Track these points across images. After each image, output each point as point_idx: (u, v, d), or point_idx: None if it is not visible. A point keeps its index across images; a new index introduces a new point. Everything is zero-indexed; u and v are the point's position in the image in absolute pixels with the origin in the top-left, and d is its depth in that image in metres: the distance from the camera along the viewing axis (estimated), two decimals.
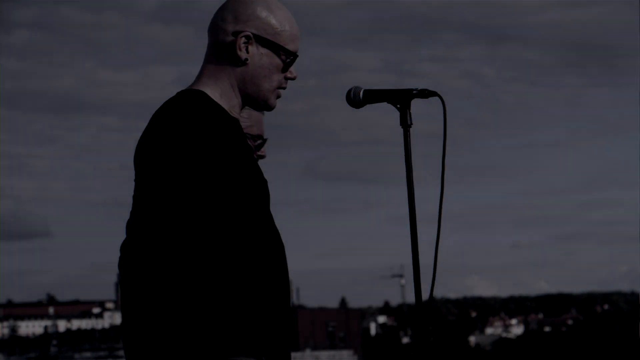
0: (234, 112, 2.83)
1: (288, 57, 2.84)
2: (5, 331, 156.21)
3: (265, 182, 2.83)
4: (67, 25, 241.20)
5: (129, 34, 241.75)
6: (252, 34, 2.80)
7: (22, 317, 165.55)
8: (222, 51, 2.84)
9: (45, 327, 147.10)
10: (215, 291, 2.59)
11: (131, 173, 2.71)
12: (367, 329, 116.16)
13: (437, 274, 3.40)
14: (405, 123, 2.81)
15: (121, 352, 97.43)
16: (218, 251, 2.62)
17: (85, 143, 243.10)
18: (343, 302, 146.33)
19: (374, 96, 2.86)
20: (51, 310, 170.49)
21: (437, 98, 2.92)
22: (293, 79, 2.87)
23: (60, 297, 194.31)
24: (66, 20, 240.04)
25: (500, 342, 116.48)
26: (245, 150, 2.76)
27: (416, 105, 2.99)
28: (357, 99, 2.86)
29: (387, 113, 3.18)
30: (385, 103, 2.93)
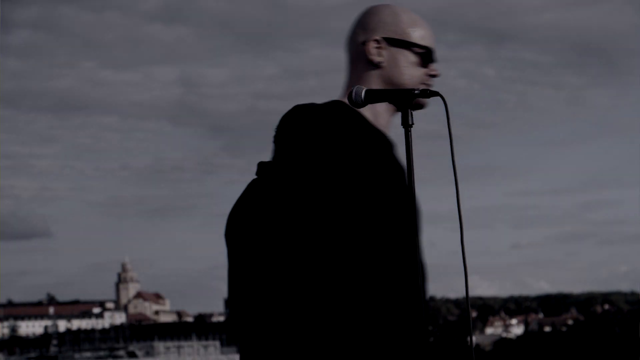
0: (381, 118, 2.92)
1: (421, 51, 2.94)
2: (6, 331, 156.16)
3: (404, 191, 2.85)
4: (67, 25, 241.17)
5: (129, 33, 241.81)
6: (382, 37, 2.92)
7: (23, 317, 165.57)
8: (357, 62, 2.96)
9: (46, 327, 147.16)
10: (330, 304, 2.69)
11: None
12: None
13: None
14: (407, 123, 2.80)
15: (121, 352, 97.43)
16: (338, 267, 2.71)
17: (86, 143, 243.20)
18: None
19: (375, 96, 2.85)
20: (51, 310, 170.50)
21: (438, 98, 2.92)
22: (435, 76, 2.97)
23: (61, 297, 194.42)
24: (67, 20, 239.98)
25: (501, 342, 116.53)
26: (381, 161, 2.83)
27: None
28: (359, 99, 2.86)
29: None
30: (387, 103, 2.93)
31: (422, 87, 2.93)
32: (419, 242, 2.80)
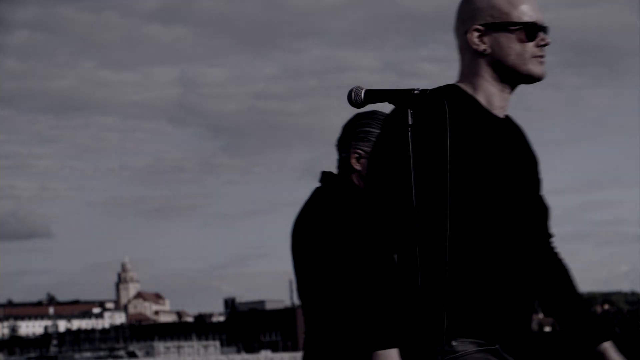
0: (495, 99, 2.95)
1: (523, 28, 2.94)
2: (6, 331, 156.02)
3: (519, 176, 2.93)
4: (67, 26, 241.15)
5: (128, 34, 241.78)
6: (480, 24, 2.94)
7: (22, 317, 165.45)
8: (464, 52, 2.98)
9: (45, 327, 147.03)
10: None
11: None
12: None
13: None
14: (406, 123, 2.80)
15: (121, 352, 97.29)
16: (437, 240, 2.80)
17: (86, 143, 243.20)
18: None
19: (375, 96, 2.85)
20: (51, 310, 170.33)
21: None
22: (546, 44, 2.97)
23: (60, 297, 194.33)
24: (66, 21, 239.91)
25: None
26: (488, 143, 2.88)
27: None
28: (358, 99, 2.85)
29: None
30: (387, 103, 2.93)
31: (533, 61, 2.95)
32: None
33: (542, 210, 3.05)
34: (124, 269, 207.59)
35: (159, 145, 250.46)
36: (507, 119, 3.00)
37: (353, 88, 2.88)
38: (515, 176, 2.91)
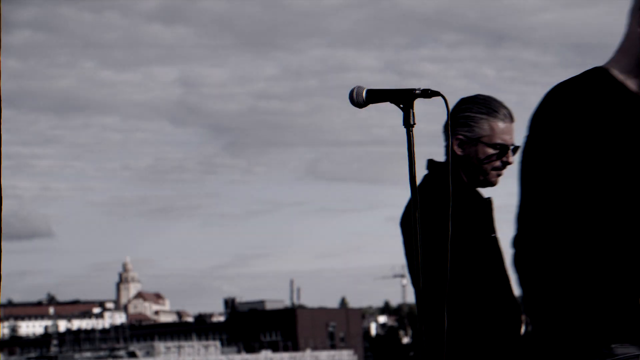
0: None
1: None
2: (6, 331, 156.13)
3: None
4: (67, 25, 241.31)
5: (129, 34, 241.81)
6: None
7: (23, 317, 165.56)
8: (631, 25, 2.81)
9: (46, 327, 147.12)
10: (595, 277, 2.68)
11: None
12: (368, 329, 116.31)
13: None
14: (408, 123, 2.80)
15: (121, 352, 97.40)
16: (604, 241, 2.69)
17: (87, 143, 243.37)
18: (343, 302, 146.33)
19: (377, 96, 2.85)
20: (51, 310, 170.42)
21: (439, 98, 2.91)
22: None
23: (61, 297, 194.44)
24: (67, 20, 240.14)
25: None
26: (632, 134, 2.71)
27: (418, 105, 3.00)
28: (360, 99, 2.85)
29: (387, 113, 3.19)
30: (388, 103, 2.92)
31: None
32: None
33: None
34: (125, 268, 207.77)
35: (160, 146, 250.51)
36: None
37: (354, 88, 2.88)
38: None
